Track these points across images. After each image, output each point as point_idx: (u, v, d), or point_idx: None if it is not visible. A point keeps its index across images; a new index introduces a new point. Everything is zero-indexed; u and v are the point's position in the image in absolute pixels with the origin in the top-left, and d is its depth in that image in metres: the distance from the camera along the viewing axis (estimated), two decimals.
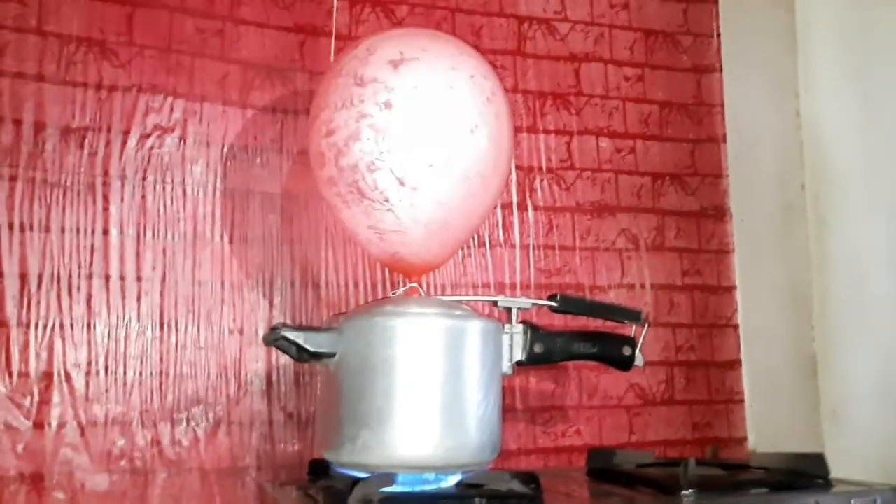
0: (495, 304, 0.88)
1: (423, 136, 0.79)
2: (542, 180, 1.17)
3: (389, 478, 0.72)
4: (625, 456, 0.95)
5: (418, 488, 0.75)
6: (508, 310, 0.87)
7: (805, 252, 1.13)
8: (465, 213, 0.82)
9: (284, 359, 1.01)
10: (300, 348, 0.76)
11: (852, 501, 0.78)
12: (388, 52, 0.80)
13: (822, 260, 1.11)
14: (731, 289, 1.25)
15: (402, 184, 0.78)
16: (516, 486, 0.75)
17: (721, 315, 1.24)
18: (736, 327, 1.24)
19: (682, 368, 1.21)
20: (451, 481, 0.77)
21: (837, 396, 1.09)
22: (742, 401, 1.23)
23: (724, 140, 1.28)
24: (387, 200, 0.79)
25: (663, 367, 1.19)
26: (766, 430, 1.21)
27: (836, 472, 0.87)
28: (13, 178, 0.94)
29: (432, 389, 0.75)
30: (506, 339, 0.84)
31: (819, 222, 1.12)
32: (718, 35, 1.30)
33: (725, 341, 1.24)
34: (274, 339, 0.75)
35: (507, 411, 0.96)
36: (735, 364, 1.23)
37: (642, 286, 1.20)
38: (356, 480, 0.70)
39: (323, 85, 0.85)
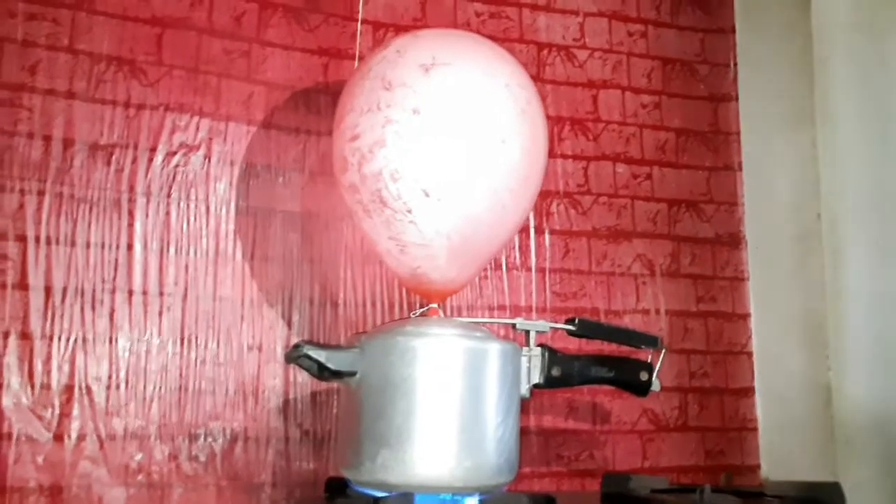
0: (513, 326, 0.88)
1: (451, 145, 0.77)
2: (558, 204, 1.19)
3: (408, 498, 0.73)
4: (639, 481, 0.95)
5: None
6: (526, 333, 0.87)
7: (820, 281, 1.13)
8: (491, 229, 0.81)
9: (302, 377, 1.02)
10: (322, 366, 0.76)
11: None
12: (419, 54, 0.78)
13: (838, 289, 1.12)
14: (745, 316, 1.26)
15: (426, 195, 0.77)
16: None
17: (735, 342, 1.25)
18: (750, 355, 1.25)
19: (695, 395, 1.21)
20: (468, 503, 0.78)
21: (852, 426, 1.09)
22: (755, 429, 1.23)
23: (740, 168, 1.29)
24: (409, 212, 0.77)
25: (677, 393, 1.20)
26: (779, 458, 1.20)
27: (850, 502, 0.87)
28: (41, 193, 0.96)
29: (452, 410, 0.76)
30: (524, 361, 0.85)
31: (835, 252, 1.12)
32: (735, 65, 1.32)
33: (739, 369, 1.24)
34: (296, 356, 0.76)
35: (520, 434, 0.96)
36: (749, 392, 1.24)
37: (657, 311, 1.21)
38: (375, 500, 0.70)
39: (349, 86, 0.83)
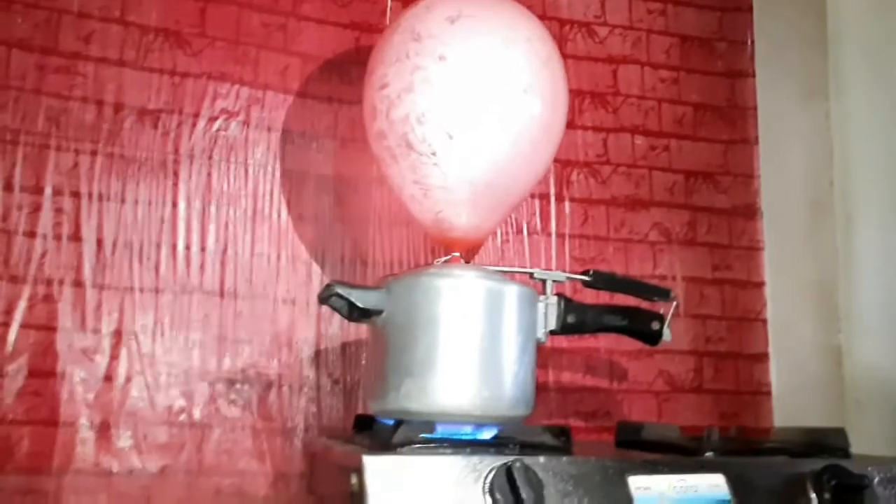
0: (531, 276, 0.93)
1: (475, 91, 0.82)
2: (578, 173, 1.24)
3: (430, 425, 0.78)
4: (652, 429, 0.99)
5: (457, 438, 0.81)
6: (543, 282, 0.92)
7: (832, 247, 1.17)
8: (512, 175, 0.85)
9: (333, 329, 1.09)
10: (351, 305, 0.82)
11: (869, 469, 0.81)
12: (446, 9, 0.84)
13: (849, 254, 1.15)
14: (760, 284, 1.29)
15: (450, 137, 0.82)
16: (548, 438, 0.80)
17: (750, 309, 1.28)
18: (765, 322, 1.29)
19: (711, 359, 1.25)
20: (486, 435, 0.83)
21: (863, 388, 1.13)
22: (769, 393, 1.26)
23: (757, 142, 1.33)
24: (434, 154, 0.82)
25: (692, 356, 1.24)
26: (792, 421, 1.24)
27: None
28: (94, 153, 1.03)
29: (471, 344, 0.81)
30: (540, 307, 0.89)
31: (847, 218, 1.16)
32: (752, 42, 1.36)
33: (754, 335, 1.28)
34: (328, 295, 0.82)
35: (539, 390, 1.01)
36: (763, 357, 1.27)
37: (673, 278, 1.25)
38: (398, 422, 0.76)
39: (380, 41, 0.89)
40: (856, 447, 0.89)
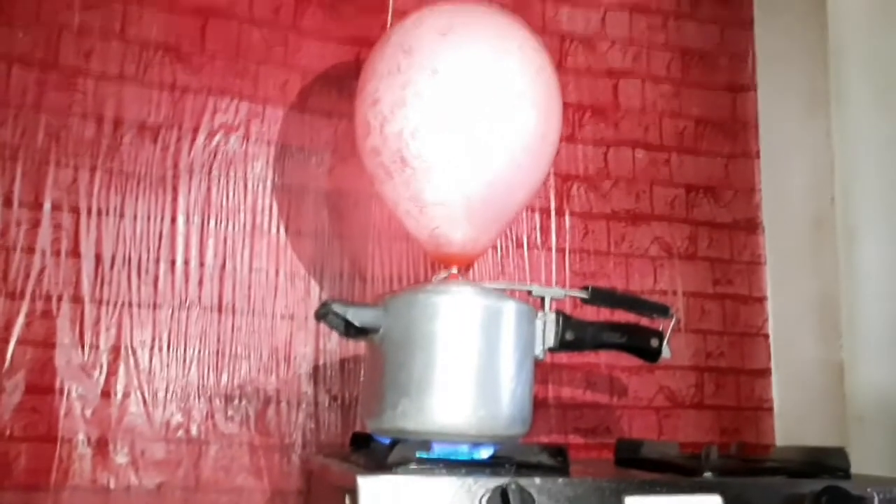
0: (530, 293, 0.93)
1: (468, 103, 0.81)
2: (578, 187, 1.23)
3: (426, 445, 0.78)
4: (651, 446, 0.98)
5: (453, 458, 0.80)
6: (542, 299, 0.92)
7: (834, 262, 1.16)
8: (509, 188, 0.84)
9: (331, 344, 1.09)
10: (347, 323, 0.82)
11: (868, 489, 0.81)
12: (436, 21, 0.83)
13: (851, 271, 1.14)
14: (762, 299, 1.29)
15: (445, 152, 0.81)
16: (545, 458, 0.80)
17: (752, 324, 1.28)
18: (766, 336, 1.28)
19: (712, 374, 1.24)
20: (483, 454, 0.82)
21: (864, 404, 1.12)
22: (771, 409, 1.25)
23: (758, 156, 1.32)
24: (429, 170, 0.81)
25: (693, 371, 1.23)
26: (794, 438, 1.23)
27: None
28: (93, 168, 1.03)
29: (468, 363, 0.80)
30: (539, 324, 0.89)
31: (848, 234, 1.15)
32: (754, 56, 1.35)
33: (756, 350, 1.27)
34: (324, 312, 0.81)
35: (538, 406, 1.01)
36: (765, 372, 1.26)
37: (674, 293, 1.25)
38: (394, 442, 0.75)
39: (371, 55, 0.89)
40: (857, 464, 0.89)
